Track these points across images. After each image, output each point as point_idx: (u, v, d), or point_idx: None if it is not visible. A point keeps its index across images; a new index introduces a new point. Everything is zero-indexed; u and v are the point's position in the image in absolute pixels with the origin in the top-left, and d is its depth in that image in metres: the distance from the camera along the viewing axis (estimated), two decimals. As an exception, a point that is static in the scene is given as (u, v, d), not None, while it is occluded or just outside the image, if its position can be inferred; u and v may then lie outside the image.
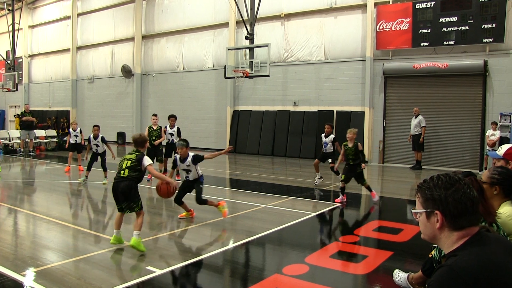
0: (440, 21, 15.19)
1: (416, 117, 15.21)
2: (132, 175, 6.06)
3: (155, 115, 13.02)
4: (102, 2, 27.66)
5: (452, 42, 15.07)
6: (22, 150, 20.49)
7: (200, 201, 7.69)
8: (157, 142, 12.42)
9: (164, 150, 12.73)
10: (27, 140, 20.25)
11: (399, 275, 4.73)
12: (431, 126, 15.48)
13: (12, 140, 22.28)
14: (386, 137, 16.94)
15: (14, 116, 30.43)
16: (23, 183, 12.72)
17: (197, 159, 7.72)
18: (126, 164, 6.15)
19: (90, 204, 9.72)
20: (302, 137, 18.75)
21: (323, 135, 11.85)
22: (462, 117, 15.31)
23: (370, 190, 9.66)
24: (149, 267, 5.25)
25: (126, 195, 6.03)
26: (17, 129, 24.77)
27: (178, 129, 12.70)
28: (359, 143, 9.42)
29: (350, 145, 9.39)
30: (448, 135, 15.57)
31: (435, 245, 2.40)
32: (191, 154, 7.74)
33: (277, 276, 5.11)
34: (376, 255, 6.00)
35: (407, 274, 4.68)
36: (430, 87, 15.94)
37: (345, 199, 9.50)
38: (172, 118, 12.75)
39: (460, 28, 14.86)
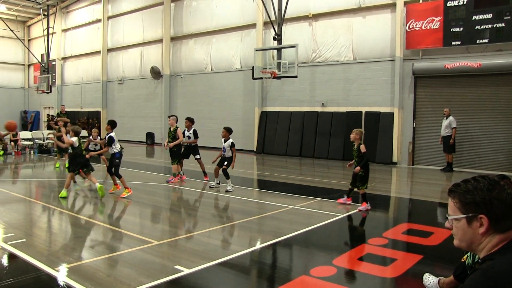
0: (473, 18, 14.81)
1: (446, 118, 14.90)
2: None
3: (169, 116, 12.97)
4: (131, 5, 28.10)
5: (486, 40, 14.65)
6: (55, 150, 20.94)
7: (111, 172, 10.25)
8: (171, 144, 12.19)
9: (180, 151, 12.50)
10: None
11: (429, 279, 4.63)
12: (462, 127, 15.16)
13: (46, 140, 22.80)
14: (416, 138, 16.66)
15: (48, 116, 31.16)
16: (57, 181, 13.00)
17: (109, 140, 10.21)
18: None
19: (120, 204, 9.86)
20: (330, 138, 18.62)
21: (222, 140, 11.28)
22: (496, 118, 14.91)
23: (364, 200, 8.82)
24: (177, 266, 5.29)
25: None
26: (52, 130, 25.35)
27: (195, 131, 12.51)
28: (362, 145, 8.87)
29: (355, 146, 8.97)
30: (481, 136, 15.20)
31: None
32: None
33: (304, 278, 5.09)
34: (406, 259, 5.90)
35: (438, 278, 4.58)
36: (462, 87, 15.61)
37: (350, 202, 9.20)
38: (187, 121, 12.62)
39: (495, 25, 14.44)
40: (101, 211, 9.09)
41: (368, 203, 8.85)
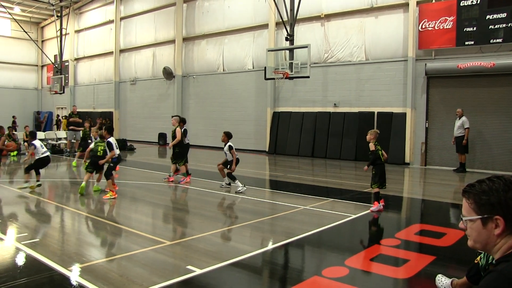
0: (486, 18, 14.66)
1: (459, 118, 14.77)
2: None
3: (172, 116, 13.13)
4: (144, 6, 28.27)
5: (500, 40, 14.48)
6: (68, 150, 21.14)
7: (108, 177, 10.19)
8: (170, 144, 12.53)
9: (183, 151, 12.62)
10: (73, 140, 20.87)
11: (442, 280, 4.61)
12: (475, 127, 15.02)
13: (59, 140, 23.03)
14: (429, 138, 16.54)
15: (62, 117, 31.48)
16: (70, 182, 13.13)
17: (108, 145, 10.42)
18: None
19: (132, 204, 9.92)
20: (343, 139, 18.55)
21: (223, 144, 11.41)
22: (510, 118, 14.74)
23: (376, 199, 8.76)
24: (189, 267, 5.31)
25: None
26: (64, 130, 25.60)
27: (185, 130, 12.67)
28: (370, 143, 8.95)
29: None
30: (495, 137, 15.04)
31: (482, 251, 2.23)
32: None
33: (316, 278, 5.08)
34: (418, 259, 5.87)
35: (451, 279, 4.55)
36: (475, 88, 15.47)
37: (383, 204, 8.83)
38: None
39: (509, 24, 14.25)
40: (113, 212, 9.14)
41: (381, 203, 8.76)
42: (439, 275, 4.71)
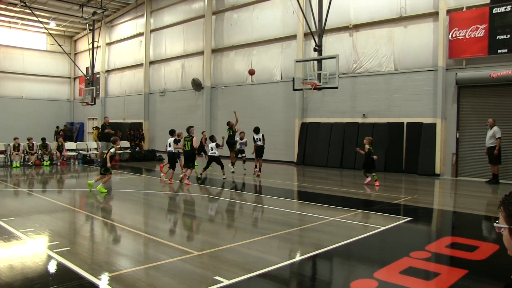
0: (521, 25, 14.37)
1: (490, 129, 14.43)
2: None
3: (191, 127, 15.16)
4: (173, 18, 28.74)
5: (534, 48, 14.18)
6: (99, 160, 21.52)
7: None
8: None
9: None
10: (105, 151, 21.23)
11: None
12: (508, 138, 14.66)
13: (90, 151, 23.47)
14: (460, 149, 16.22)
15: (93, 128, 32.12)
16: (101, 192, 13.34)
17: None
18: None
19: (161, 213, 10.02)
20: (371, 149, 18.34)
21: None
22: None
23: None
24: (217, 277, 5.32)
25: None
26: (95, 141, 26.12)
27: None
28: (366, 145, 14.14)
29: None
30: (529, 147, 14.66)
31: None
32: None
33: (345, 291, 5.02)
34: (449, 273, 5.74)
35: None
36: (508, 97, 15.11)
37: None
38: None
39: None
40: (142, 221, 9.25)
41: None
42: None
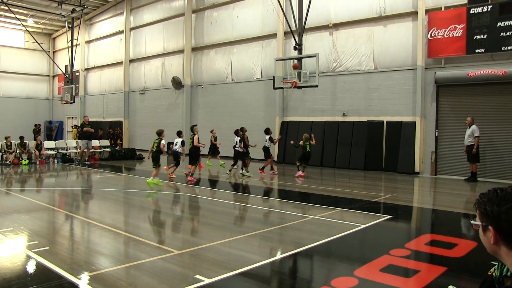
0: (498, 25, 14.57)
1: (469, 127, 14.64)
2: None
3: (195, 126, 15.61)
4: (153, 16, 28.51)
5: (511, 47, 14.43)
6: (78, 159, 21.27)
7: None
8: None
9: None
10: (85, 149, 21.01)
11: (454, 291, 4.56)
12: (487, 136, 14.90)
13: (69, 149, 23.17)
14: (439, 147, 16.43)
15: (72, 127, 31.75)
16: (81, 190, 13.19)
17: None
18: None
19: (141, 212, 9.93)
20: (351, 148, 18.49)
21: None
22: (521, 126, 14.63)
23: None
24: (197, 276, 5.29)
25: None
26: (74, 139, 25.80)
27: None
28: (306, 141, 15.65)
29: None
30: (506, 145, 14.89)
31: (496, 263, 2.25)
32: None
33: (325, 289, 5.03)
34: (429, 270, 5.79)
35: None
36: (485, 96, 15.36)
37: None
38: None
39: (521, 31, 14.19)
40: (122, 220, 9.16)
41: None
42: (451, 286, 4.64)
